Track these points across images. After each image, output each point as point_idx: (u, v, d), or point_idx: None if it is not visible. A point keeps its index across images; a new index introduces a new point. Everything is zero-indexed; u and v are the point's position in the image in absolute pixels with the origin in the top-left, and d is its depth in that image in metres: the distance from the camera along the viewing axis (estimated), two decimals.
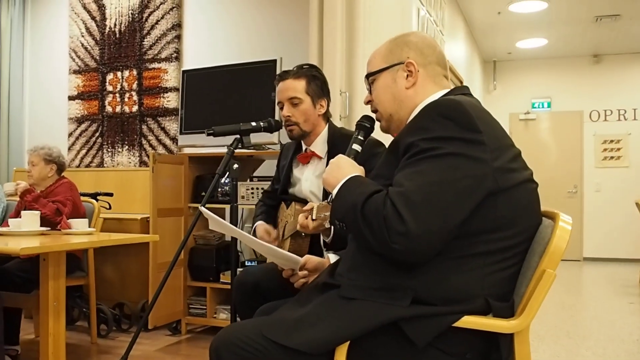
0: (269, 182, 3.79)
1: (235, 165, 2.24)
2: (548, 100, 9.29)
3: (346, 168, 1.53)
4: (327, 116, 2.44)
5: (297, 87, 2.34)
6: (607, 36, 7.96)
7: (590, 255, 8.89)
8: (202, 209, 1.82)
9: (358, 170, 1.54)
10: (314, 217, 1.80)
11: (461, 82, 6.84)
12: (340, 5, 3.41)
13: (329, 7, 3.41)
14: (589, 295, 6.36)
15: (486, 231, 1.35)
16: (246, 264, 3.93)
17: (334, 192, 1.49)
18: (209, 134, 2.34)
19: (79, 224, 2.90)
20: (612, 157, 9.01)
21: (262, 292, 2.11)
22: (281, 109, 2.39)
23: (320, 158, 2.39)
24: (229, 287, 3.84)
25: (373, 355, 1.36)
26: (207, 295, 3.90)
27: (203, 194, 4.03)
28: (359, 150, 1.69)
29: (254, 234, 2.47)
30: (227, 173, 2.22)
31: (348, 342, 1.34)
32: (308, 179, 2.39)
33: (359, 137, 1.71)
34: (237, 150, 3.82)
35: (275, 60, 3.84)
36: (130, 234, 3.81)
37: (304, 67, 2.42)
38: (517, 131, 9.41)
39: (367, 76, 1.67)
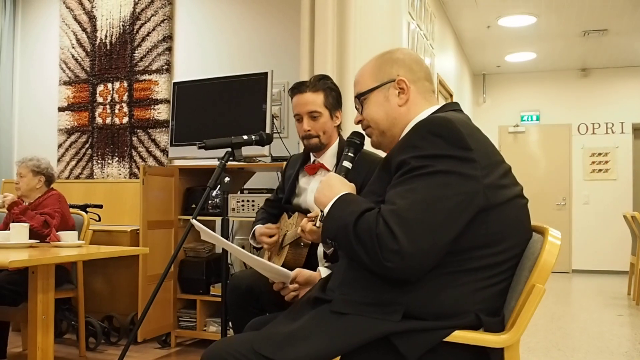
0: (260, 195, 3.85)
1: (227, 179, 2.25)
2: (537, 114, 9.37)
3: (337, 186, 1.53)
4: (339, 128, 2.46)
5: (316, 100, 2.35)
6: (595, 50, 8.06)
7: (579, 267, 8.94)
8: (194, 221, 1.82)
9: (349, 188, 1.55)
10: (317, 225, 1.79)
11: (451, 96, 6.90)
12: (331, 19, 3.43)
13: (320, 21, 3.44)
14: (578, 307, 6.38)
15: (477, 247, 1.36)
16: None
17: (325, 210, 1.49)
18: (200, 147, 2.34)
19: (68, 237, 2.88)
20: (600, 170, 9.09)
21: (256, 295, 2.11)
22: (299, 121, 2.39)
23: (328, 170, 2.40)
24: (219, 299, 3.82)
25: None
26: (197, 308, 3.89)
27: (194, 206, 4.02)
28: (350, 167, 1.69)
29: (253, 235, 2.48)
30: (219, 186, 2.22)
31: (339, 358, 1.34)
32: (314, 190, 2.39)
33: (349, 154, 1.71)
34: (227, 163, 3.89)
35: (266, 73, 3.85)
36: (120, 246, 3.79)
37: (320, 79, 2.42)
38: (506, 144, 9.48)
39: (358, 96, 1.67)
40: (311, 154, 2.49)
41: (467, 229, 1.33)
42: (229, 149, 2.28)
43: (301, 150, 2.63)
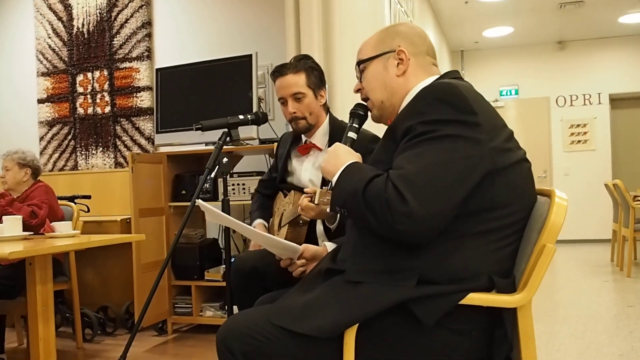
0: (249, 178, 3.84)
1: (225, 159, 2.24)
2: (515, 88, 9.45)
3: (344, 156, 1.54)
4: (326, 106, 2.45)
5: (298, 81, 2.33)
6: (571, 22, 8.14)
7: (562, 237, 9.01)
8: (199, 201, 1.81)
9: (355, 157, 1.56)
10: (315, 202, 1.79)
11: None
12: (316, 0, 3.42)
13: (304, 3, 3.42)
14: (565, 277, 6.50)
15: (485, 210, 1.38)
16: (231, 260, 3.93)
17: (334, 179, 1.50)
18: (197, 129, 2.32)
19: (62, 227, 2.85)
20: (579, 142, 9.22)
21: (260, 276, 2.12)
22: (283, 104, 2.37)
23: (320, 150, 2.39)
24: (214, 284, 3.84)
25: (381, 336, 1.38)
26: (192, 294, 3.88)
27: (184, 192, 4.01)
28: (355, 138, 1.70)
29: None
30: (217, 167, 2.21)
31: (357, 325, 1.35)
32: (307, 170, 2.40)
33: (354, 124, 1.72)
34: (211, 147, 3.87)
35: (250, 56, 3.83)
36: (114, 234, 3.76)
37: (300, 59, 2.40)
38: None
39: (358, 63, 1.68)
40: (302, 134, 2.48)
41: (475, 192, 1.35)
42: (226, 130, 2.26)
43: (290, 130, 2.62)
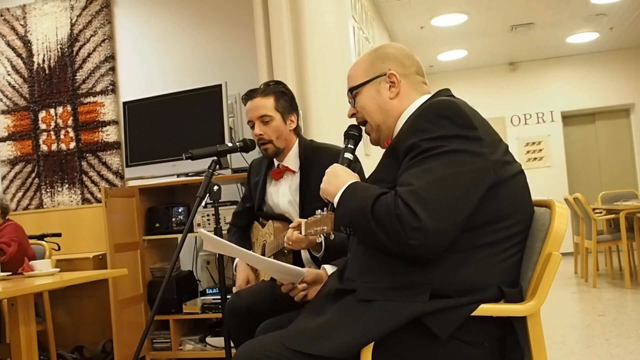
0: (224, 207, 3.81)
1: (216, 187, 2.23)
2: None
3: (344, 176, 1.56)
4: (297, 131, 2.46)
5: (266, 104, 2.34)
6: (522, 44, 8.44)
7: None
8: (201, 231, 1.79)
9: (355, 177, 1.58)
10: (303, 233, 1.80)
11: None
12: (287, 25, 3.47)
13: (275, 28, 3.46)
14: None
15: (490, 222, 1.42)
16: (207, 291, 3.87)
17: (336, 199, 1.51)
18: (187, 158, 2.30)
19: (41, 265, 2.76)
20: (535, 159, 9.50)
21: (256, 314, 2.08)
22: (252, 127, 2.37)
23: (293, 172, 2.39)
24: (192, 317, 3.76)
25: (397, 353, 1.39)
26: (171, 328, 3.80)
27: (157, 225, 3.95)
28: (351, 159, 1.72)
29: (235, 270, 2.45)
30: (208, 195, 2.20)
31: (373, 343, 1.36)
32: (285, 194, 2.39)
33: (350, 145, 1.74)
34: (185, 179, 3.84)
35: (220, 85, 3.83)
36: (92, 271, 3.66)
37: (271, 84, 2.42)
38: None
39: (351, 90, 1.70)
40: (274, 159, 2.48)
41: (480, 205, 1.39)
42: (215, 158, 2.25)
43: (260, 156, 2.60)
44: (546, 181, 9.32)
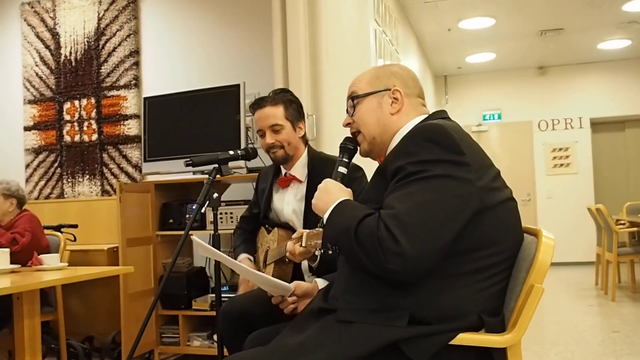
0: (237, 207, 3.85)
1: (215, 194, 2.25)
2: (498, 112, 9.59)
3: (335, 192, 1.57)
4: (305, 139, 2.47)
5: (276, 113, 2.36)
6: (552, 49, 8.30)
7: None
8: (194, 238, 1.83)
9: (346, 194, 1.58)
10: (303, 245, 1.81)
11: None
12: (303, 30, 3.47)
13: (292, 32, 3.47)
14: (550, 300, 6.54)
15: (474, 249, 1.41)
16: (221, 288, 3.91)
17: (325, 216, 1.52)
18: (187, 165, 2.34)
19: (50, 260, 2.84)
20: (561, 165, 9.35)
21: (249, 320, 2.11)
22: (262, 136, 2.39)
23: (300, 182, 2.41)
24: (201, 314, 3.82)
25: None
26: (180, 324, 3.86)
27: (171, 221, 4.00)
28: (345, 173, 1.72)
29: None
30: (207, 202, 2.23)
31: None
32: (290, 203, 2.41)
33: (344, 159, 1.73)
34: (200, 176, 3.88)
35: (238, 85, 3.85)
36: (100, 266, 3.74)
37: (279, 92, 2.44)
38: None
39: (353, 98, 1.70)
40: (281, 167, 2.49)
41: (464, 231, 1.38)
42: (216, 165, 2.28)
43: (269, 165, 2.62)
44: (572, 188, 9.19)
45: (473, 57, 8.63)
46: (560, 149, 9.35)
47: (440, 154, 1.40)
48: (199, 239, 1.78)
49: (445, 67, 9.30)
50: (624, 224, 6.65)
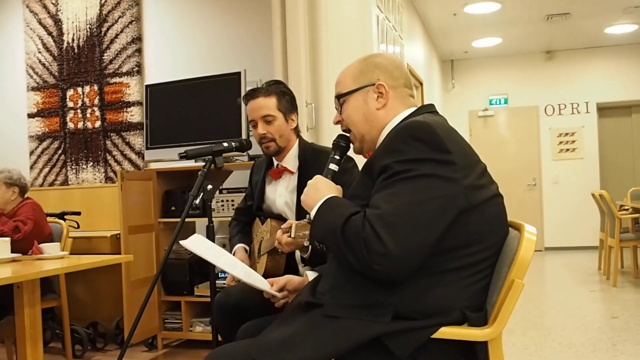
0: (239, 194, 3.88)
1: (209, 186, 2.28)
2: (505, 97, 9.53)
3: (323, 189, 1.58)
4: (297, 130, 2.49)
5: (269, 104, 2.38)
6: (559, 33, 8.23)
7: (550, 244, 9.17)
8: (182, 242, 1.86)
9: (335, 191, 1.60)
10: (292, 235, 1.84)
11: (421, 84, 6.99)
12: (303, 18, 3.47)
13: (291, 20, 3.47)
14: (552, 285, 6.57)
15: (460, 247, 1.43)
16: (220, 275, 3.96)
17: (312, 213, 1.54)
18: (182, 157, 2.36)
19: (50, 249, 2.88)
20: (567, 150, 9.31)
21: (242, 311, 2.15)
22: (254, 127, 2.41)
23: (291, 173, 2.43)
24: (203, 300, 3.87)
25: None
26: (182, 310, 3.92)
27: (173, 208, 4.04)
28: (336, 170, 1.73)
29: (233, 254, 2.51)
30: (202, 194, 2.25)
31: None
32: (282, 195, 2.43)
33: (335, 156, 1.74)
34: (200, 164, 3.90)
35: (239, 73, 3.86)
36: (102, 253, 3.79)
37: (272, 84, 2.45)
38: (476, 128, 9.64)
39: (338, 97, 1.72)
40: (273, 158, 2.51)
41: (450, 229, 1.39)
42: (210, 157, 2.31)
43: (262, 158, 2.64)
44: (578, 173, 9.16)
45: (479, 41, 8.56)
46: (567, 134, 9.30)
47: (426, 152, 1.40)
48: (189, 244, 1.83)
49: (452, 51, 9.24)
50: (628, 209, 6.64)
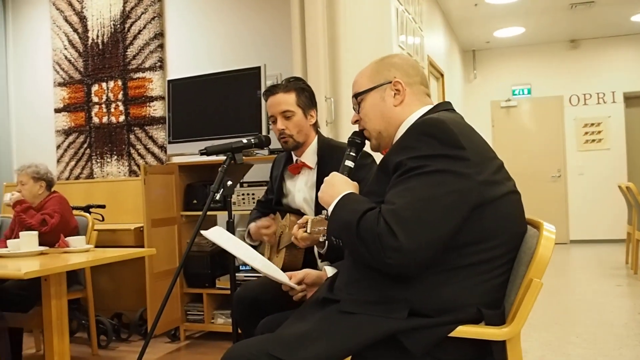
0: (259, 188, 3.91)
1: (229, 182, 2.31)
2: (528, 87, 9.42)
3: (339, 186, 1.60)
4: (316, 126, 2.51)
5: (288, 100, 2.40)
6: (583, 22, 8.09)
7: (576, 237, 9.05)
8: (204, 232, 1.89)
9: (351, 187, 1.61)
10: (308, 231, 1.87)
11: (442, 75, 6.94)
12: (321, 12, 3.47)
13: (310, 15, 3.47)
14: (577, 279, 6.50)
15: (474, 242, 1.43)
16: (240, 268, 4.00)
17: (329, 210, 1.56)
18: (202, 154, 2.40)
19: (76, 242, 2.95)
20: (593, 140, 9.17)
21: (261, 306, 2.19)
22: (273, 122, 2.44)
23: (310, 168, 2.45)
24: (225, 292, 3.91)
25: None
26: (204, 301, 3.97)
27: (194, 201, 4.09)
28: (352, 167, 1.75)
29: (249, 234, 2.55)
30: (221, 190, 2.28)
31: (350, 356, 1.41)
32: (301, 190, 2.46)
33: (351, 153, 1.77)
34: (222, 157, 3.93)
35: (259, 67, 3.89)
36: (126, 246, 3.86)
37: (291, 80, 2.48)
38: (498, 119, 9.54)
39: (356, 96, 1.73)
40: (292, 153, 2.53)
41: (464, 225, 1.40)
42: (230, 153, 2.34)
43: (283, 153, 2.68)
44: (604, 164, 9.02)
45: (502, 31, 8.46)
46: (592, 124, 9.16)
47: (439, 148, 1.41)
48: (210, 235, 1.86)
49: (473, 42, 9.14)
50: None
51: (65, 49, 5.19)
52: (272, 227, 2.45)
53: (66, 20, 5.19)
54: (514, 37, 8.81)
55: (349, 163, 1.76)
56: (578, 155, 9.20)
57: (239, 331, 2.36)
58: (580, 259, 7.81)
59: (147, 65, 4.90)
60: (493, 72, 9.58)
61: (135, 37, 4.94)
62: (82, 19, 5.13)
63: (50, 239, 3.23)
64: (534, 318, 4.28)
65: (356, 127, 1.82)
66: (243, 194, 3.91)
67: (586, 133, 9.20)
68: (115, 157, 5.02)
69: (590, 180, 9.07)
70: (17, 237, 3.14)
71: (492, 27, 8.27)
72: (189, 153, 4.15)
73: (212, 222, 4.16)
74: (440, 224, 1.37)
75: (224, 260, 4.12)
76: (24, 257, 2.85)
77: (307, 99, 2.45)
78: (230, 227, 2.34)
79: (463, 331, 1.39)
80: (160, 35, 4.86)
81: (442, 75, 6.95)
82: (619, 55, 9.00)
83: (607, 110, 9.08)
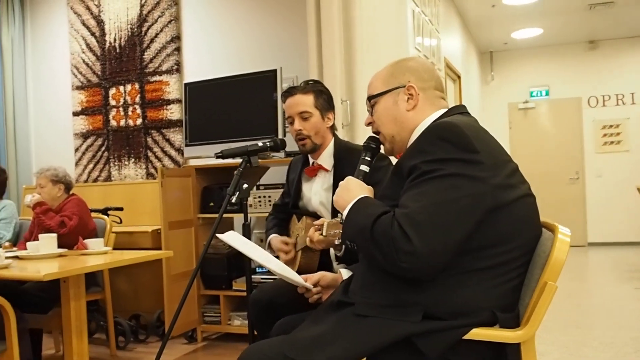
0: (275, 190, 3.93)
1: (245, 185, 2.32)
2: (546, 88, 9.34)
3: (354, 190, 1.61)
4: (333, 129, 2.52)
5: (306, 101, 2.42)
6: (602, 23, 8.01)
7: (594, 240, 8.95)
8: (220, 236, 1.91)
9: (366, 191, 1.62)
10: (324, 234, 1.88)
11: (459, 77, 6.91)
12: (337, 15, 3.48)
13: (326, 17, 3.48)
14: (595, 282, 6.43)
15: (489, 246, 1.43)
16: (257, 270, 4.02)
17: (344, 214, 1.57)
18: (217, 157, 2.42)
19: (94, 244, 2.98)
20: (612, 142, 9.07)
21: (276, 308, 2.20)
22: (291, 123, 2.45)
23: (327, 171, 2.46)
24: (241, 294, 3.93)
25: None
26: (221, 303, 4.00)
27: (211, 204, 4.12)
28: (367, 171, 1.76)
29: (269, 247, 2.56)
30: (237, 193, 2.30)
31: (364, 359, 1.42)
32: (317, 193, 2.47)
33: (366, 157, 1.78)
34: (238, 160, 3.95)
35: (275, 70, 3.91)
36: (143, 248, 3.89)
37: (309, 82, 2.49)
38: (516, 121, 9.48)
39: (369, 98, 1.74)
40: (309, 155, 2.54)
41: (479, 228, 1.40)
42: (245, 156, 2.35)
43: (299, 155, 2.69)
44: (623, 167, 8.92)
45: (519, 32, 8.41)
46: (611, 126, 9.06)
47: (453, 152, 1.42)
48: (226, 237, 1.87)
49: (491, 43, 9.10)
50: None
51: (83, 52, 5.26)
52: (291, 253, 2.45)
53: (84, 24, 5.26)
54: (531, 39, 8.75)
55: (364, 167, 1.77)
56: (596, 157, 9.10)
57: (255, 333, 2.38)
58: (598, 261, 7.73)
59: (164, 68, 4.95)
60: (510, 73, 9.53)
61: (152, 41, 4.99)
62: (100, 23, 5.20)
63: (68, 241, 3.27)
64: (551, 321, 4.24)
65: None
66: (259, 197, 3.93)
67: (605, 135, 9.11)
68: (133, 159, 5.07)
69: (608, 183, 8.98)
70: (36, 239, 3.19)
71: (509, 29, 8.22)
72: (206, 156, 4.18)
73: (228, 225, 4.18)
74: (454, 228, 1.37)
75: (240, 262, 4.14)
76: (43, 259, 2.89)
77: (325, 102, 2.46)
78: (247, 230, 2.36)
79: (478, 334, 1.39)
80: (177, 38, 4.90)
81: (459, 77, 6.93)
82: (639, 57, 8.90)
83: (626, 111, 8.98)
